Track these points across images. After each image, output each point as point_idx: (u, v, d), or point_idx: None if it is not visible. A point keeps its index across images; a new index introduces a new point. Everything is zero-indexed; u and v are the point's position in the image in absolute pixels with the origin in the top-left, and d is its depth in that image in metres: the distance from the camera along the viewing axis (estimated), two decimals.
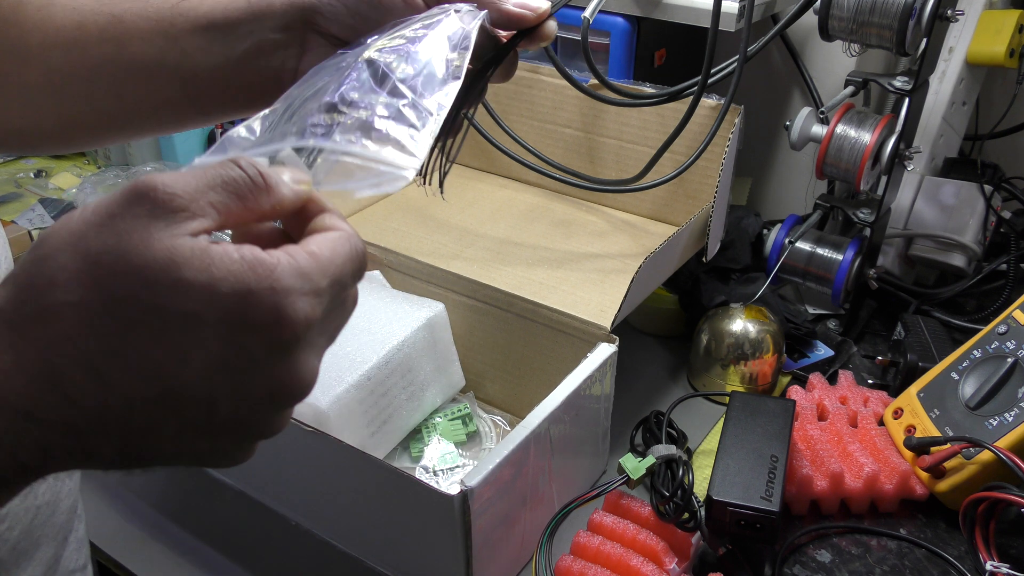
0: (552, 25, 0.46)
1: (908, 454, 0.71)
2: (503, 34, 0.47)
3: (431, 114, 0.38)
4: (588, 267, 0.81)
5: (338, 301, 0.32)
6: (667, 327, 0.94)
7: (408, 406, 0.75)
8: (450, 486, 0.53)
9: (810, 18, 0.79)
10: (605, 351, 0.67)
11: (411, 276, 0.82)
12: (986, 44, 0.93)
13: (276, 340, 0.29)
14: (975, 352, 0.73)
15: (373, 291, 0.80)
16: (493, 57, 0.46)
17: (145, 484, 0.74)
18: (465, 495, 0.53)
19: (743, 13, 0.80)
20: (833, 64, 1.00)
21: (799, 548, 0.68)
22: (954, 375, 0.73)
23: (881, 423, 0.76)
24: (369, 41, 0.41)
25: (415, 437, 0.77)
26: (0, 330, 0.28)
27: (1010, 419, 0.67)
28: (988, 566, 0.62)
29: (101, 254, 0.27)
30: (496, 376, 0.81)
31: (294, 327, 0.29)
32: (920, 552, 0.68)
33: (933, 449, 0.69)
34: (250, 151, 0.35)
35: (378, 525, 0.63)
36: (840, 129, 0.83)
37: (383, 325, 0.74)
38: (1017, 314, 0.72)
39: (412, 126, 0.37)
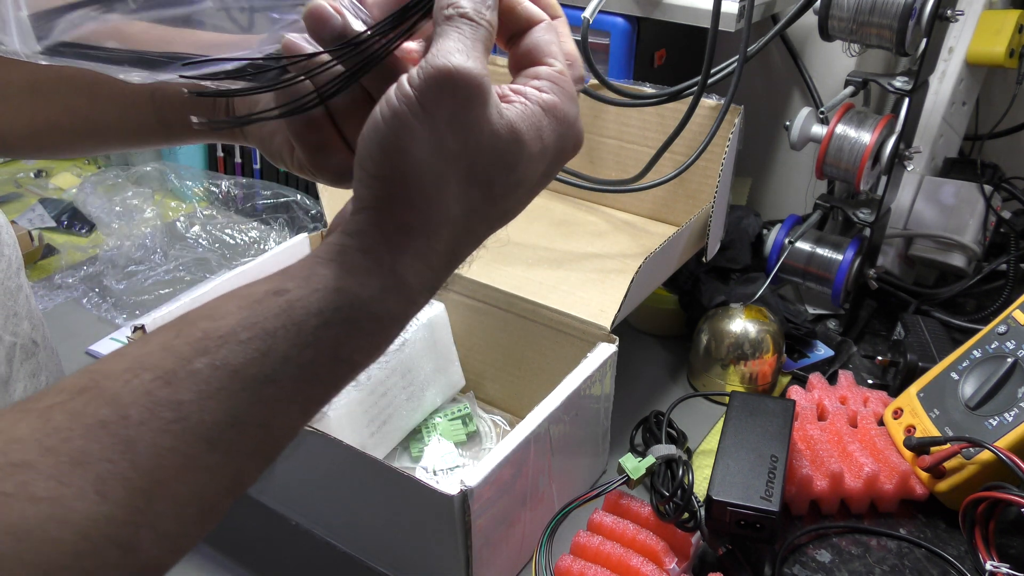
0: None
1: (908, 454, 0.71)
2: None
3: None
4: (588, 267, 0.81)
5: None
6: (667, 327, 0.94)
7: (408, 406, 0.75)
8: (450, 486, 0.53)
9: (810, 18, 0.79)
10: (605, 351, 0.67)
11: None
12: (986, 44, 0.93)
13: (574, 153, 0.37)
14: (975, 352, 0.73)
15: None
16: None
17: None
18: (465, 495, 0.53)
19: (743, 13, 0.80)
20: (833, 64, 1.00)
21: (799, 548, 0.68)
22: (954, 375, 0.73)
23: (881, 423, 0.76)
24: None
25: (415, 437, 0.77)
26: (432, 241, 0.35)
27: (1010, 419, 0.67)
28: (988, 566, 0.62)
29: (461, 156, 0.33)
30: (496, 376, 0.81)
31: (582, 140, 0.37)
32: (920, 552, 0.68)
33: (933, 449, 0.69)
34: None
35: (378, 525, 0.63)
36: (840, 129, 0.83)
37: None
38: (1017, 314, 0.72)
39: None
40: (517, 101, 0.34)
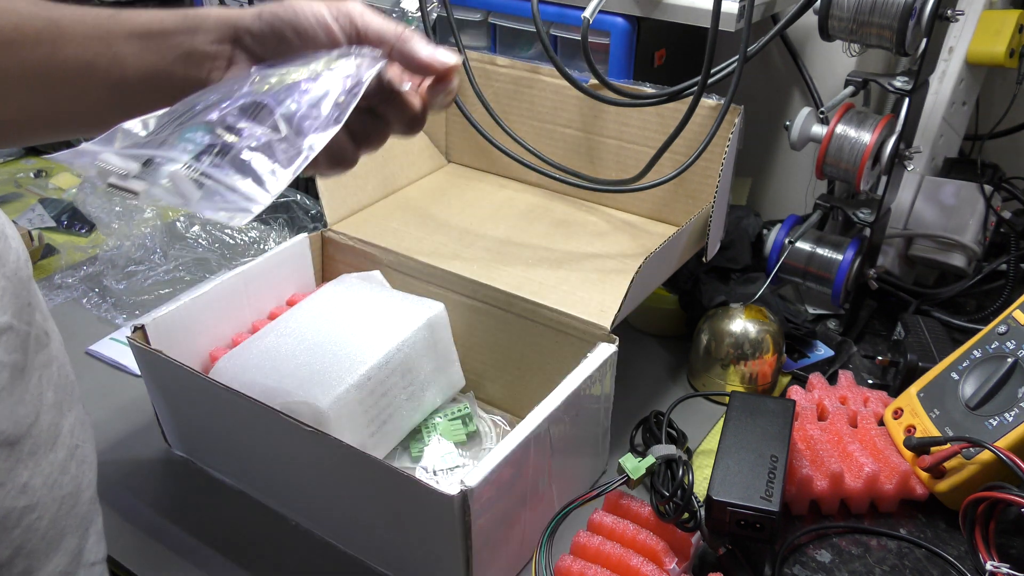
0: (454, 84, 0.49)
1: (908, 454, 0.71)
2: (404, 86, 0.49)
3: (301, 153, 0.41)
4: (588, 267, 0.81)
5: None
6: (667, 327, 0.94)
7: (408, 406, 0.75)
8: (450, 486, 0.53)
9: (810, 18, 0.79)
10: (605, 351, 0.67)
11: (411, 276, 0.82)
12: (986, 44, 0.93)
13: None
14: (975, 352, 0.73)
15: (373, 291, 0.80)
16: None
17: (145, 484, 0.74)
18: (465, 495, 0.53)
19: (743, 13, 0.80)
20: (833, 64, 1.00)
21: (799, 548, 0.68)
22: (954, 375, 0.73)
23: (881, 423, 0.76)
24: (276, 69, 0.45)
25: (415, 437, 0.77)
26: None
27: (1010, 419, 0.67)
28: (988, 566, 0.62)
29: None
30: (496, 376, 0.81)
31: None
32: (920, 552, 0.68)
33: (933, 449, 0.69)
34: (135, 150, 0.41)
35: (378, 525, 0.63)
36: (840, 129, 0.84)
37: (383, 325, 0.74)
38: (1017, 314, 0.72)
39: (278, 162, 0.41)
40: None
